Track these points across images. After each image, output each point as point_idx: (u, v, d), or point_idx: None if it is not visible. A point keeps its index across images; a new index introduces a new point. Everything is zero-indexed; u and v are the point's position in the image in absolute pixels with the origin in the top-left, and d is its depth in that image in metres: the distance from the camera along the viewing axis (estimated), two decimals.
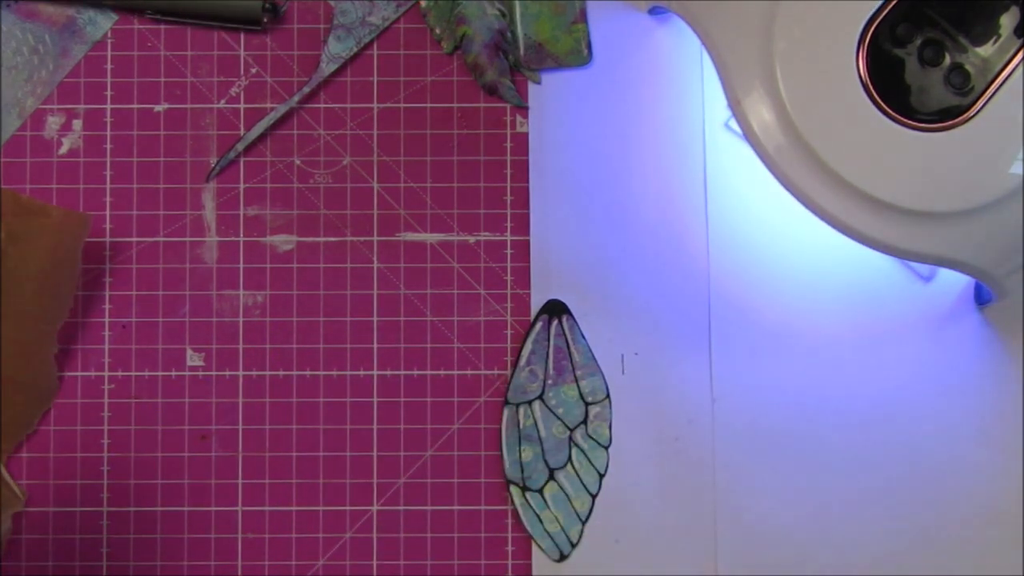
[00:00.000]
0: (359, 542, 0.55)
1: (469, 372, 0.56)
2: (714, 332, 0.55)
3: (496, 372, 0.56)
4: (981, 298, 0.55)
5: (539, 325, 0.55)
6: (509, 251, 0.56)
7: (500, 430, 0.55)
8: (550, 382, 0.55)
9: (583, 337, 0.55)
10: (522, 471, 0.54)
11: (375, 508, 0.55)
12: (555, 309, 0.55)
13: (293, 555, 0.55)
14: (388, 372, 0.56)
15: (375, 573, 0.55)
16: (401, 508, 0.55)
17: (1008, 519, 0.54)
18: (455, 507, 0.55)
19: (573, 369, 0.55)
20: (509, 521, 0.55)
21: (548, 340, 0.55)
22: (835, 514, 0.54)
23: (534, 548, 0.54)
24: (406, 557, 0.55)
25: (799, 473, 0.55)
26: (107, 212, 0.56)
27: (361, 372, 0.56)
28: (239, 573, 0.55)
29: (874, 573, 0.54)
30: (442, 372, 0.56)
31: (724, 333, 0.55)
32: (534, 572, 0.54)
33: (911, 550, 0.54)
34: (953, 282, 0.55)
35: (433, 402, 0.56)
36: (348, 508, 0.55)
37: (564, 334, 0.55)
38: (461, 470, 0.55)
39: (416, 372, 0.56)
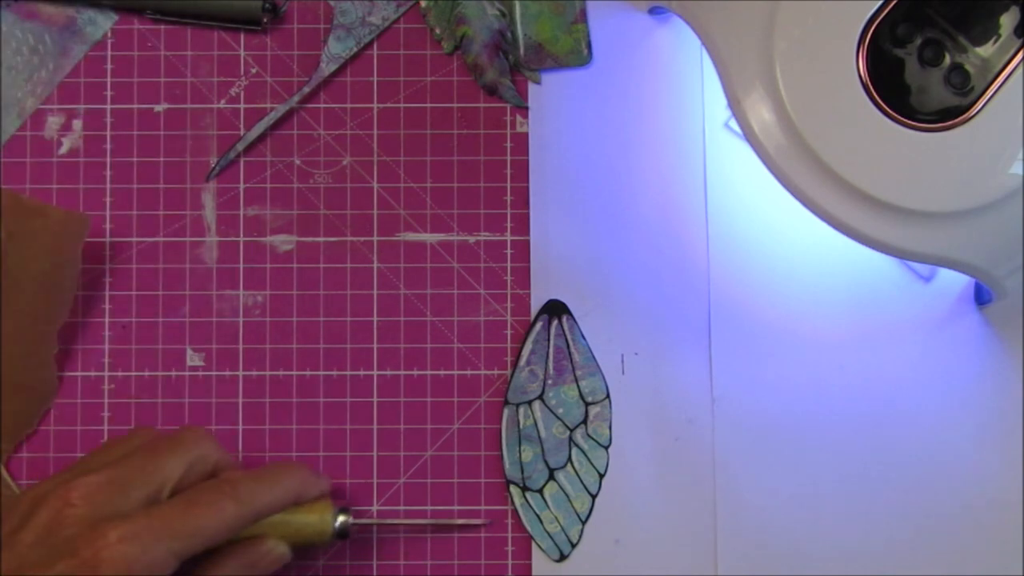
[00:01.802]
0: (359, 542, 0.55)
1: (469, 372, 0.56)
2: (714, 332, 0.55)
3: (496, 372, 0.56)
4: (981, 298, 0.55)
5: (539, 325, 0.55)
6: (509, 251, 0.56)
7: (500, 430, 0.55)
8: (550, 382, 0.55)
9: (583, 337, 0.55)
10: (522, 471, 0.54)
11: (375, 508, 0.55)
12: (555, 309, 0.55)
13: (293, 555, 0.55)
14: (388, 372, 0.56)
15: (375, 573, 0.55)
16: (401, 508, 0.55)
17: (1008, 519, 0.54)
18: (455, 507, 0.55)
19: (573, 369, 0.55)
20: (509, 521, 0.55)
21: (548, 340, 0.55)
22: (835, 514, 0.54)
23: (534, 548, 0.54)
24: (406, 557, 0.55)
25: (799, 473, 0.55)
26: (107, 212, 0.56)
27: (361, 372, 0.56)
28: None
29: (874, 573, 0.54)
30: (442, 372, 0.56)
31: (724, 333, 0.55)
32: (534, 572, 0.54)
33: (911, 550, 0.54)
34: (953, 282, 0.55)
35: (433, 402, 0.56)
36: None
37: (564, 334, 0.55)
38: (461, 470, 0.55)
39: (416, 372, 0.56)
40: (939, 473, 0.55)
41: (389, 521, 0.54)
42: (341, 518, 0.51)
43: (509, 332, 0.56)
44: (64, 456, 0.55)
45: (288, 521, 0.49)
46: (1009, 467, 0.55)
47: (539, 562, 0.54)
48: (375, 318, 0.56)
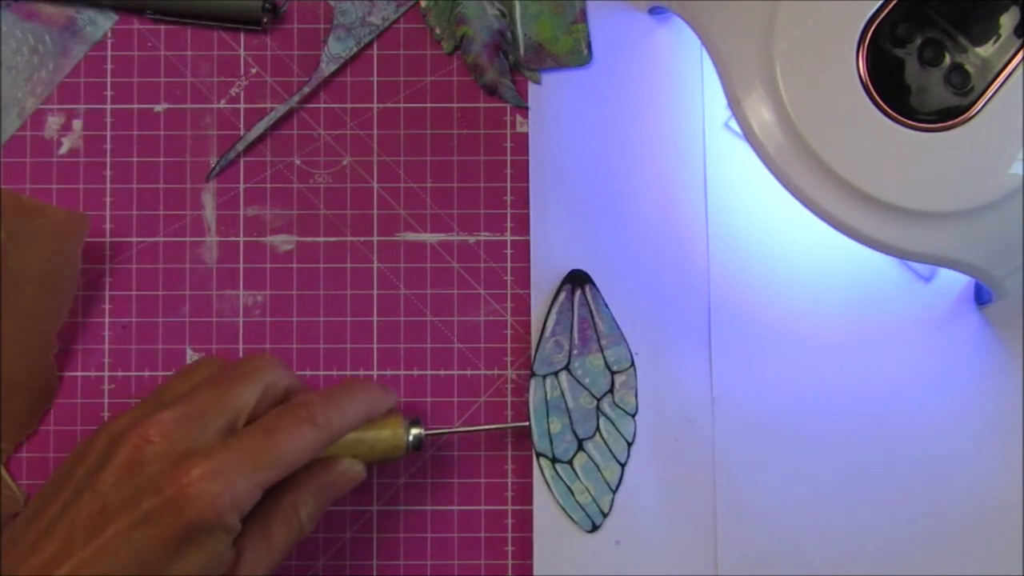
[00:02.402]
0: (359, 542, 0.55)
1: (469, 372, 0.56)
2: (714, 332, 0.55)
3: (496, 372, 0.56)
4: (981, 298, 0.55)
5: (563, 295, 0.55)
6: (509, 251, 0.56)
7: (528, 402, 0.55)
8: (575, 352, 0.55)
9: (607, 306, 0.55)
10: (551, 443, 0.54)
11: (375, 508, 0.55)
12: (578, 279, 0.55)
13: (293, 555, 0.55)
14: (388, 372, 0.56)
15: (375, 573, 0.55)
16: (401, 508, 0.55)
17: (1008, 519, 0.54)
18: (455, 507, 0.55)
19: (598, 338, 0.55)
20: (509, 521, 0.55)
21: (572, 310, 0.55)
22: (835, 514, 0.54)
23: (535, 547, 0.54)
24: (406, 557, 0.55)
25: (799, 473, 0.55)
26: (107, 212, 0.56)
27: (361, 372, 0.56)
28: None
29: (874, 573, 0.54)
30: (442, 372, 0.56)
31: (724, 333, 0.55)
32: (534, 572, 0.54)
33: (911, 550, 0.54)
34: (953, 282, 0.55)
35: (433, 402, 0.56)
36: (348, 508, 0.55)
37: (588, 304, 0.55)
38: (461, 470, 0.55)
39: (416, 372, 0.56)
40: (939, 473, 0.55)
41: (462, 429, 0.55)
42: (414, 431, 0.51)
43: (509, 332, 0.56)
44: (64, 456, 0.55)
45: (361, 439, 0.49)
46: (1009, 467, 0.55)
47: (540, 562, 0.54)
48: (375, 318, 0.56)
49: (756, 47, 0.47)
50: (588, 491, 0.54)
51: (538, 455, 0.54)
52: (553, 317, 0.55)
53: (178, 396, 0.46)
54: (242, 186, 0.57)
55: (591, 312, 0.55)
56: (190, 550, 0.43)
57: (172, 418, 0.44)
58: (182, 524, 0.42)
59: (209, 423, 0.45)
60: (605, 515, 0.54)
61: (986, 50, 0.47)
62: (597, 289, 0.55)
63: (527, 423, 0.54)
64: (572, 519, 0.54)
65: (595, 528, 0.54)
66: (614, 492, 0.54)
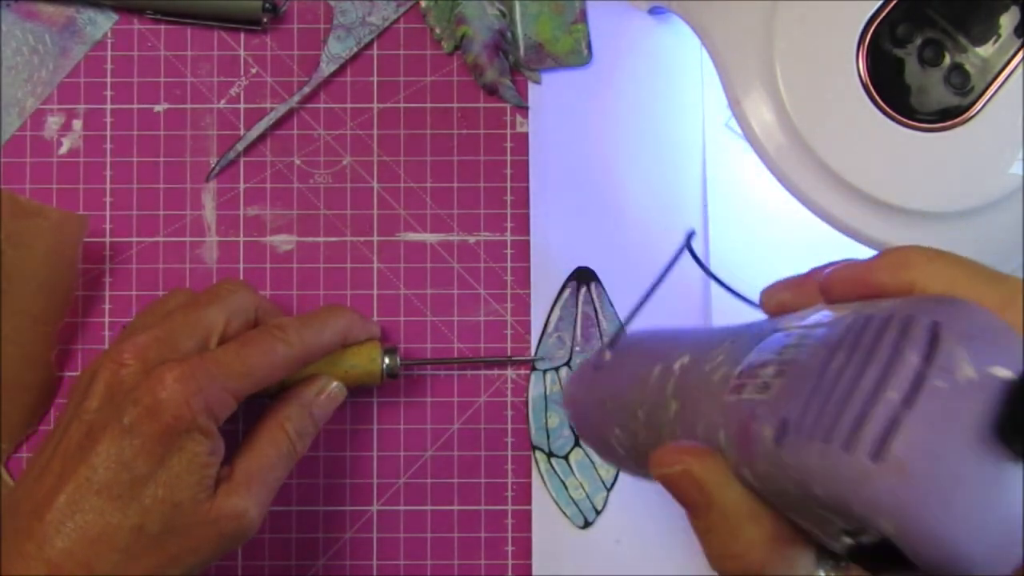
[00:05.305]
0: (359, 542, 0.55)
1: (469, 372, 0.56)
2: None
3: (496, 372, 0.56)
4: None
5: (567, 292, 0.55)
6: (509, 251, 0.56)
7: (526, 396, 0.55)
8: (577, 348, 0.55)
9: (611, 304, 0.55)
10: (548, 437, 0.55)
11: (375, 508, 0.55)
12: (584, 276, 0.55)
13: (293, 555, 0.55)
14: None
15: (375, 573, 0.55)
16: (401, 508, 0.55)
17: None
18: (455, 507, 0.55)
19: (601, 337, 0.55)
20: (509, 521, 0.55)
21: (576, 307, 0.55)
22: None
23: (534, 547, 0.54)
24: (406, 557, 0.55)
25: None
26: (107, 212, 0.56)
27: None
28: (239, 573, 0.55)
29: None
30: (442, 372, 0.56)
31: None
32: (534, 572, 0.54)
33: None
34: None
35: (433, 402, 0.56)
36: (348, 508, 0.55)
37: (592, 301, 0.55)
38: (461, 470, 0.55)
39: (416, 372, 0.56)
40: None
41: (439, 360, 0.56)
42: (388, 359, 0.52)
43: (509, 332, 0.56)
44: None
45: (337, 363, 0.51)
46: None
47: (539, 562, 0.54)
48: (375, 318, 0.56)
49: (756, 47, 0.47)
50: (582, 487, 0.54)
51: (534, 448, 0.55)
52: (556, 313, 0.55)
53: (149, 324, 0.48)
54: (242, 186, 0.57)
55: (595, 310, 0.55)
56: (173, 454, 0.44)
57: (144, 341, 0.46)
58: (161, 428, 0.44)
59: (181, 343, 0.46)
60: (598, 512, 0.54)
61: (986, 50, 0.47)
62: (603, 287, 0.55)
63: (526, 358, 0.55)
64: (564, 513, 0.54)
65: (587, 524, 0.54)
66: (608, 490, 0.54)
